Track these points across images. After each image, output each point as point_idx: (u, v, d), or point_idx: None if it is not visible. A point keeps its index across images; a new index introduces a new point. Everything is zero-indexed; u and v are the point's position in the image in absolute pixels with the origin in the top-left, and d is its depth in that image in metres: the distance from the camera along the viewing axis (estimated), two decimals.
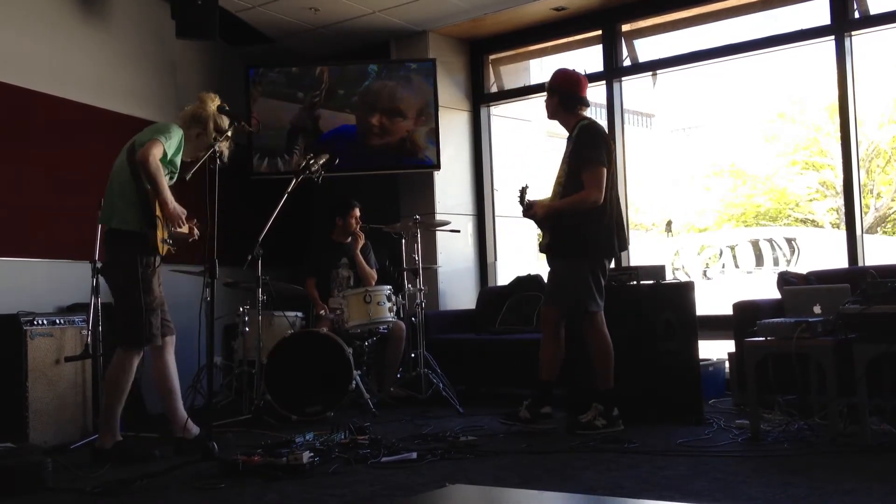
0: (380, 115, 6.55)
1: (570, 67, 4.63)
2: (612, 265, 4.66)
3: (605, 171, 4.34)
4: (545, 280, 6.26)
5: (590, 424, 4.30)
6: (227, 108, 4.21)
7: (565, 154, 4.54)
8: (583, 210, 4.36)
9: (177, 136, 4.08)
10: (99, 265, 4.70)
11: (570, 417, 4.47)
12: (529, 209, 4.54)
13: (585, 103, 4.55)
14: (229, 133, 4.26)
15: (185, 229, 4.11)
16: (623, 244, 4.55)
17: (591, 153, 4.36)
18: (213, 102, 4.26)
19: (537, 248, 4.56)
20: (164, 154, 3.98)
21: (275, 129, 6.53)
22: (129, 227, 4.01)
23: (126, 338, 4.03)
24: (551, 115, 4.61)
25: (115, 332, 4.09)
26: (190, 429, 4.14)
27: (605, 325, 4.44)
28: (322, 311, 5.74)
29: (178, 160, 4.12)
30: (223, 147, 4.28)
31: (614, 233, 4.44)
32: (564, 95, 4.51)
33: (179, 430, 4.13)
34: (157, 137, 3.97)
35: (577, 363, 4.58)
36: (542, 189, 4.86)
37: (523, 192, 4.57)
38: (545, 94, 4.62)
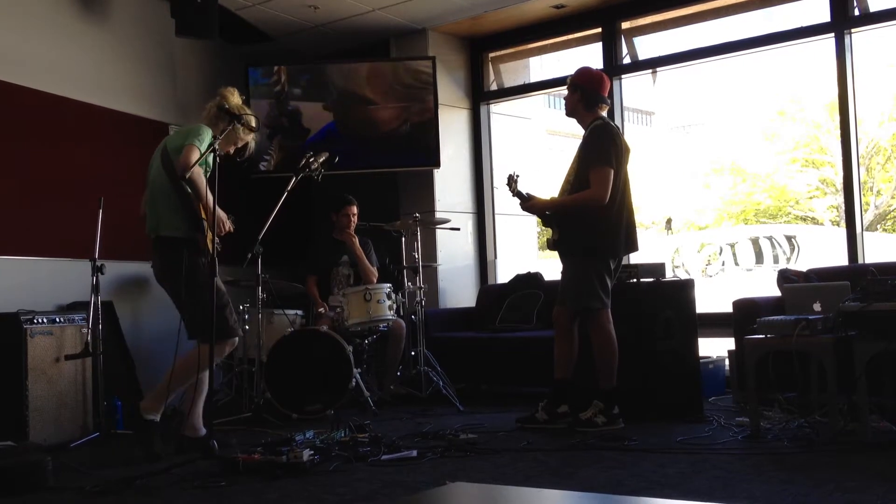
0: (363, 102, 6.54)
1: (594, 67, 4.68)
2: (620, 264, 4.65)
3: (611, 171, 4.33)
4: (545, 278, 6.31)
5: (590, 422, 4.30)
6: (226, 106, 4.20)
7: (576, 152, 4.55)
8: (587, 209, 4.36)
9: (207, 136, 4.07)
10: (99, 263, 4.72)
11: (571, 415, 4.47)
12: (527, 201, 4.55)
13: (606, 102, 4.57)
14: (254, 126, 4.29)
15: (226, 230, 4.13)
16: (632, 246, 4.55)
17: (599, 153, 4.37)
18: (234, 97, 4.27)
19: (546, 244, 4.57)
20: (201, 155, 3.98)
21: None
22: (179, 233, 4.04)
23: (206, 335, 4.01)
24: (569, 112, 4.61)
25: (193, 332, 4.08)
26: (197, 429, 4.14)
27: (610, 323, 4.43)
28: (322, 309, 5.74)
29: (210, 158, 4.12)
30: (249, 140, 4.33)
31: (621, 234, 4.43)
32: (586, 92, 4.51)
33: (188, 427, 4.13)
34: (192, 142, 3.97)
35: (577, 361, 4.58)
36: (538, 182, 4.86)
37: (511, 179, 4.56)
38: (565, 89, 4.63)
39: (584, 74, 4.59)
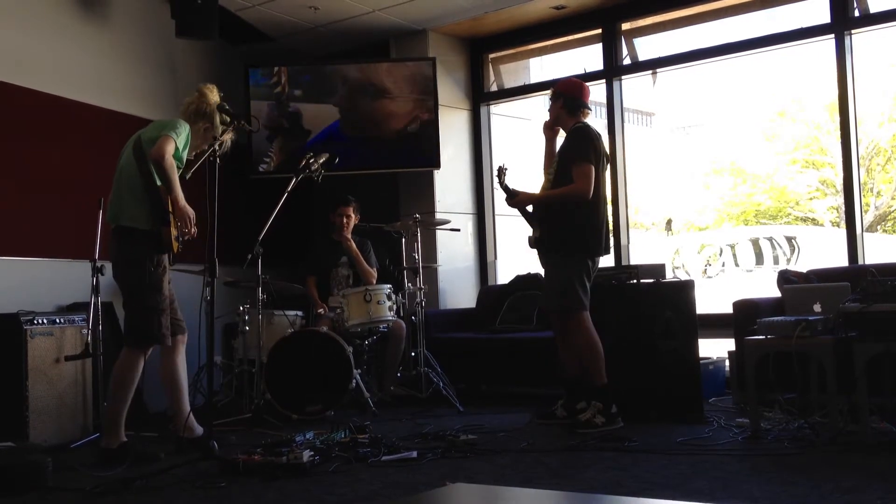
0: (365, 102, 6.53)
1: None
2: (605, 264, 4.74)
3: (592, 168, 4.45)
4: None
5: (589, 423, 4.31)
6: (226, 106, 4.19)
7: (557, 154, 4.68)
8: (570, 203, 4.46)
9: (185, 131, 4.03)
10: (99, 264, 4.70)
11: (570, 416, 4.48)
12: (513, 197, 4.61)
13: (588, 107, 4.72)
14: (233, 125, 4.22)
15: (192, 230, 4.02)
16: (606, 248, 4.63)
17: (579, 151, 4.51)
18: (213, 94, 4.21)
19: (527, 242, 4.63)
20: (176, 149, 3.94)
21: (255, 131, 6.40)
22: (140, 225, 3.96)
23: (134, 338, 4.01)
24: (553, 120, 4.76)
25: (124, 331, 4.07)
26: (193, 428, 4.13)
27: (590, 322, 4.50)
28: (321, 310, 5.74)
29: (185, 155, 4.09)
30: (226, 138, 4.24)
31: (602, 233, 4.54)
32: (568, 99, 4.66)
33: (183, 428, 4.12)
34: (168, 133, 3.90)
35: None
36: (537, 182, 4.90)
37: (501, 171, 4.67)
38: (548, 97, 4.79)
39: (564, 83, 4.84)
